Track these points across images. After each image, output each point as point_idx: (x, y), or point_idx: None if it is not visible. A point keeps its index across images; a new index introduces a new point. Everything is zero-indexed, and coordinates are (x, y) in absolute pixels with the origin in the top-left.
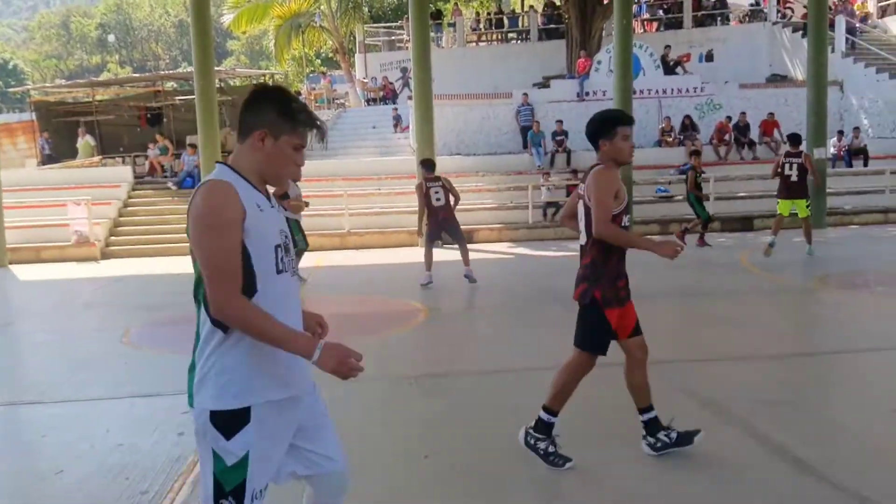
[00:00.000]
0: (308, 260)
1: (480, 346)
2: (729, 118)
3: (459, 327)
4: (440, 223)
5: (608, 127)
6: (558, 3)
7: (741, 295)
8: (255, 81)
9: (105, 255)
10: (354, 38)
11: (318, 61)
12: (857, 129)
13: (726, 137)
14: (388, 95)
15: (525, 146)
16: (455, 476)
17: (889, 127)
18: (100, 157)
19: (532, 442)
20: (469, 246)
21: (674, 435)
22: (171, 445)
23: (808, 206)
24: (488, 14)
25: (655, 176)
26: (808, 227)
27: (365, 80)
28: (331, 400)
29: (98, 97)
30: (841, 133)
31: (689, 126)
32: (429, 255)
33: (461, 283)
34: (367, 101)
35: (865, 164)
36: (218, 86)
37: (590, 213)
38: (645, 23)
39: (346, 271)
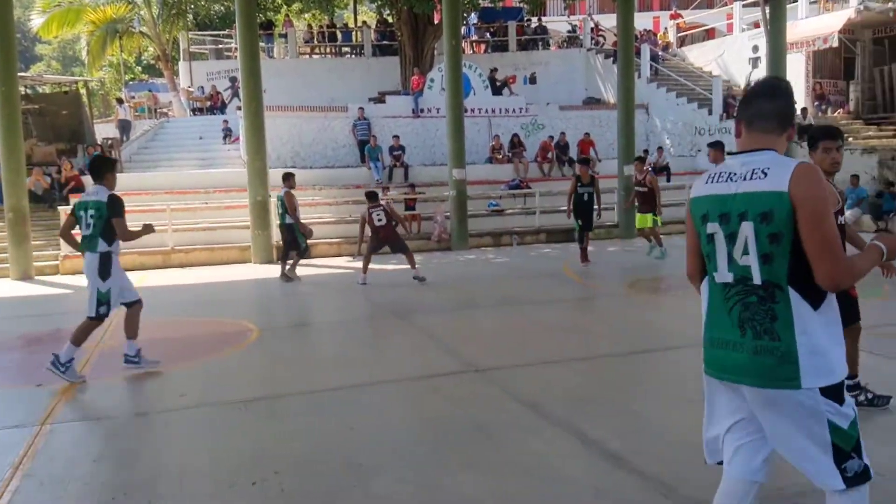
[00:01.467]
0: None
1: (315, 364)
2: (551, 137)
3: (294, 346)
4: (381, 240)
5: (812, 141)
6: (391, 21)
7: (562, 301)
8: (65, 88)
9: None
10: (178, 45)
11: (139, 68)
12: (660, 148)
13: (549, 155)
14: (215, 105)
15: (362, 160)
16: (284, 501)
17: (687, 146)
18: None
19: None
20: (307, 261)
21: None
22: None
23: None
24: (321, 27)
25: (488, 191)
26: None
27: (190, 89)
28: (154, 429)
29: None
30: (647, 152)
31: (517, 144)
32: (367, 262)
33: (296, 301)
34: (193, 110)
35: (668, 181)
36: (23, 93)
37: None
38: (474, 44)
39: (171, 291)
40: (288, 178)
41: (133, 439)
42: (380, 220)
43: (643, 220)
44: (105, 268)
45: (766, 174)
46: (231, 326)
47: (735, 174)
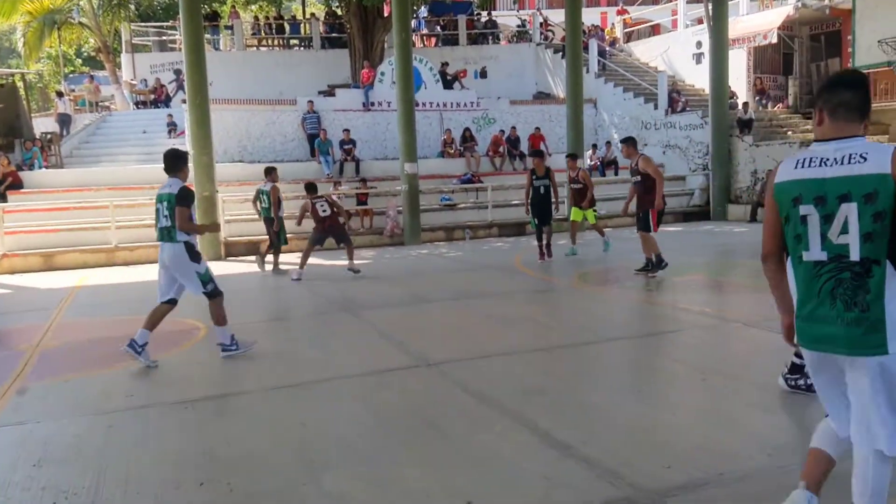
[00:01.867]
0: (69, 279)
1: (264, 361)
2: (502, 131)
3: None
4: (326, 229)
5: None
6: (340, 13)
7: (514, 294)
8: (1, 81)
9: None
10: (120, 36)
11: (80, 61)
12: (608, 142)
13: (500, 149)
14: (160, 98)
15: (312, 154)
16: (234, 500)
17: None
18: None
19: (793, 383)
20: (253, 256)
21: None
22: None
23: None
24: (268, 19)
25: (440, 185)
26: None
27: (133, 82)
28: (98, 431)
29: None
30: (595, 146)
31: (469, 138)
32: (306, 256)
33: (244, 297)
34: (137, 104)
35: (616, 174)
36: None
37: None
38: (424, 38)
39: (115, 289)
40: (271, 172)
41: (76, 441)
42: (324, 210)
43: (576, 214)
44: (194, 252)
45: (865, 158)
46: (178, 325)
47: (828, 159)
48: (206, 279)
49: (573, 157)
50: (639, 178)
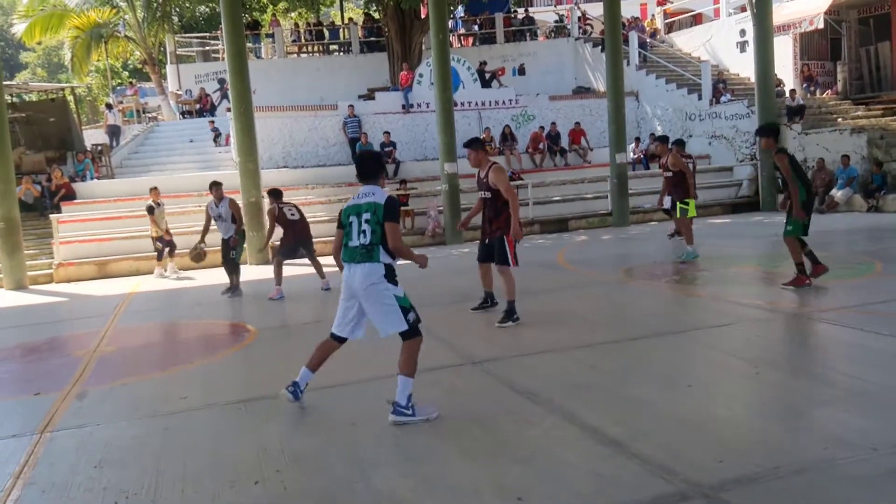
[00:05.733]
0: (123, 286)
1: None
2: (542, 128)
3: (292, 344)
4: (297, 236)
5: None
6: (378, 17)
7: (558, 291)
8: (52, 95)
9: None
10: (165, 48)
11: (126, 73)
12: (652, 134)
13: (540, 146)
14: (205, 108)
15: (354, 157)
16: (288, 499)
17: (679, 132)
18: None
19: None
20: (301, 261)
21: None
22: None
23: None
24: (308, 25)
25: None
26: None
27: (179, 92)
28: (155, 432)
29: None
30: (638, 139)
31: (508, 136)
32: (279, 271)
33: (293, 300)
34: (183, 113)
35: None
36: (9, 101)
37: None
38: (461, 37)
39: (167, 295)
40: (217, 187)
41: (134, 443)
42: (292, 213)
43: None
44: (393, 276)
45: None
46: (229, 328)
47: None
48: (408, 305)
49: (662, 140)
50: (670, 173)
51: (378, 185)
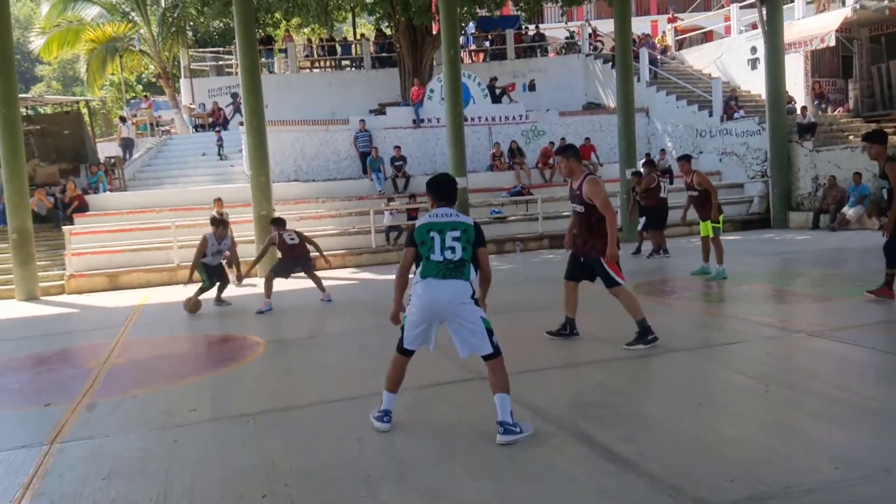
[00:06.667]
0: (133, 298)
1: (323, 375)
2: (552, 143)
3: (301, 357)
4: (296, 258)
5: None
6: (389, 33)
7: None
8: (67, 108)
9: None
10: (179, 62)
11: (140, 87)
12: (662, 150)
13: (550, 161)
14: (218, 121)
15: (364, 172)
16: None
17: (689, 148)
18: None
19: None
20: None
21: None
22: None
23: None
24: (320, 41)
25: (489, 198)
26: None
27: (192, 106)
28: (164, 445)
29: None
30: (648, 155)
31: (516, 151)
32: (269, 286)
33: (302, 312)
34: (196, 127)
35: (671, 182)
36: (24, 114)
37: None
38: (472, 53)
39: (177, 308)
40: (223, 224)
41: (143, 455)
42: (292, 238)
43: (705, 227)
44: (473, 295)
45: None
46: (238, 341)
47: None
48: (491, 328)
49: (686, 158)
50: (696, 192)
51: (454, 208)
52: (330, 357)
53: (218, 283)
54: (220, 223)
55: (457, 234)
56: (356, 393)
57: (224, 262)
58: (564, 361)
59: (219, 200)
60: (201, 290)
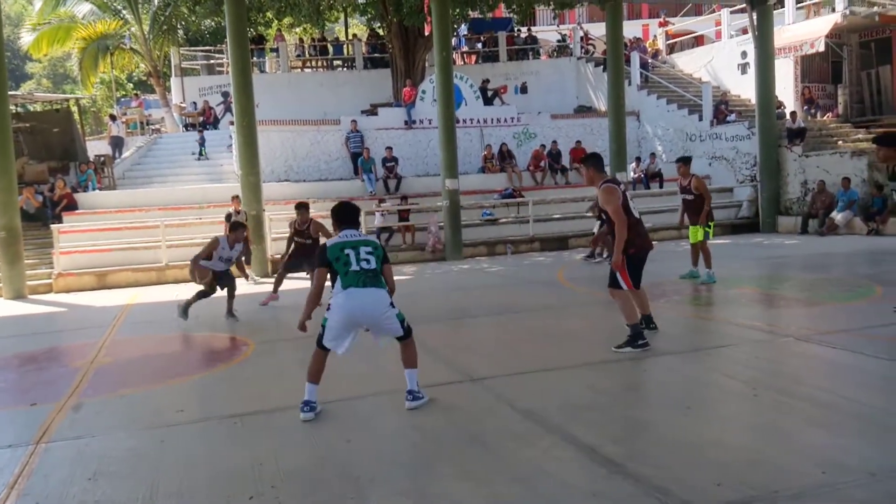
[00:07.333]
0: (121, 297)
1: None
2: (543, 146)
3: (289, 359)
4: (307, 252)
5: None
6: (382, 34)
7: (557, 309)
8: (56, 106)
9: None
10: (169, 61)
11: (131, 85)
12: (653, 154)
13: (542, 164)
14: (208, 120)
15: (356, 172)
16: None
17: (679, 152)
18: None
19: None
20: (301, 274)
21: None
22: None
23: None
24: (312, 41)
25: (481, 200)
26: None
27: (183, 105)
28: (151, 445)
29: None
30: (639, 159)
31: (507, 154)
32: (281, 279)
33: (293, 313)
34: (186, 126)
35: (661, 186)
36: (14, 111)
37: None
38: (464, 55)
39: (166, 307)
40: (239, 228)
41: (130, 456)
42: (307, 238)
43: (694, 233)
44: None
45: None
46: (227, 341)
47: None
48: (403, 317)
49: (686, 161)
50: (691, 196)
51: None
52: None
53: (226, 290)
54: (236, 226)
55: (369, 248)
56: (345, 395)
57: (234, 261)
58: (554, 364)
59: (236, 198)
60: (200, 295)
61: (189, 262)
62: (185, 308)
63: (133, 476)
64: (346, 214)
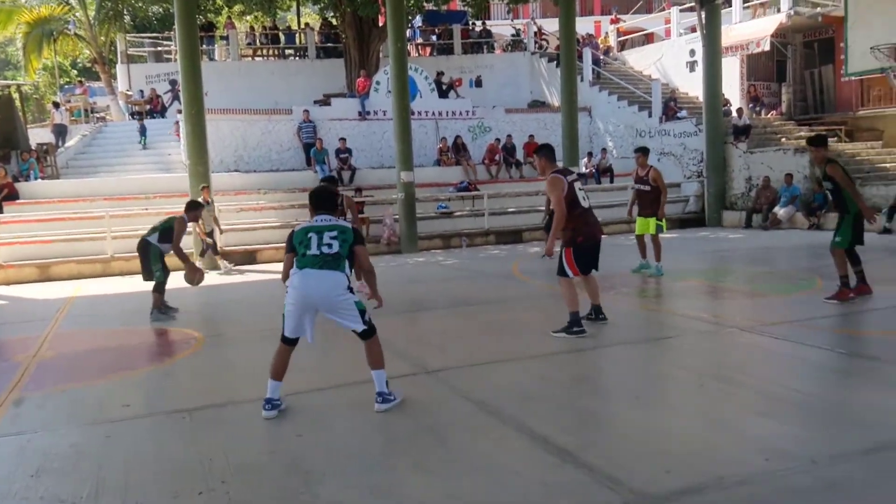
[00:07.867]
0: (65, 290)
1: (261, 371)
2: (498, 140)
3: (238, 353)
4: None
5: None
6: (335, 24)
7: (511, 301)
8: None
9: None
10: (115, 47)
11: (75, 72)
12: (604, 150)
13: (496, 158)
14: (155, 109)
15: (308, 163)
16: None
17: (629, 148)
18: None
19: None
20: (252, 266)
21: None
22: None
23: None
24: (263, 29)
25: (436, 193)
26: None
27: (129, 93)
28: (96, 441)
29: None
30: (591, 154)
31: (461, 147)
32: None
33: (242, 306)
34: (132, 114)
35: (612, 181)
36: None
37: None
38: (419, 47)
39: (111, 301)
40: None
41: (74, 452)
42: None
43: (644, 225)
44: (349, 286)
45: None
46: (174, 335)
47: None
48: (363, 308)
49: (644, 151)
50: (648, 187)
51: (334, 216)
52: (269, 352)
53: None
54: (194, 206)
55: (334, 233)
56: (295, 389)
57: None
58: (508, 355)
59: (206, 188)
60: (159, 287)
61: (185, 264)
62: (161, 310)
63: (77, 472)
64: (320, 200)
